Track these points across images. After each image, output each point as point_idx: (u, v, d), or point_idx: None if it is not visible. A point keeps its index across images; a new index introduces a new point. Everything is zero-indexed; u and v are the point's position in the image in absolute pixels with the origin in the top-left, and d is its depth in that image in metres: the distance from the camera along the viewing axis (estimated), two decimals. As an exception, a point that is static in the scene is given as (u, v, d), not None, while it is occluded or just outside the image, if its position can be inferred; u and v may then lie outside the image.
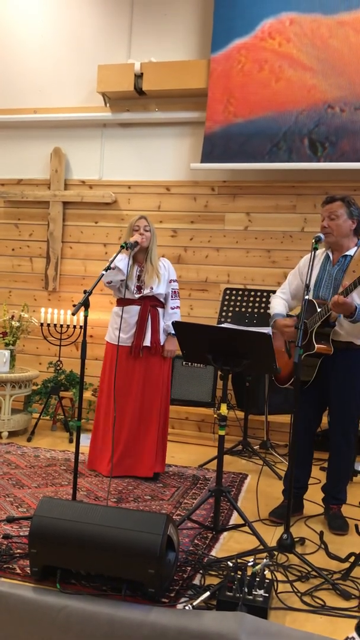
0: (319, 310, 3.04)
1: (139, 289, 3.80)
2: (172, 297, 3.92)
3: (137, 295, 3.80)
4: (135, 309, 3.81)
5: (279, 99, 5.03)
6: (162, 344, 3.85)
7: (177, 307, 3.94)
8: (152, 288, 3.79)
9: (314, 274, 3.21)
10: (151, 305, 3.83)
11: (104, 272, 3.26)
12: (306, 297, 2.78)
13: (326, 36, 4.89)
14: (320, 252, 3.32)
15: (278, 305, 3.35)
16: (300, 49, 4.98)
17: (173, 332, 3.76)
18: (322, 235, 3.09)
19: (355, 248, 3.14)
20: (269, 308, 4.66)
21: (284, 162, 4.98)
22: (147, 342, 3.79)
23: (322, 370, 3.09)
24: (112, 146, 5.71)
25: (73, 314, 2.96)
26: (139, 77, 5.35)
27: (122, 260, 3.69)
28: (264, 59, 5.09)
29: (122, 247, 3.58)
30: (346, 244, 3.15)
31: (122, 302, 3.85)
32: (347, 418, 3.13)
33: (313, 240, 3.04)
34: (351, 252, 3.14)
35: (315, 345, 3.04)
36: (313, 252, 3.03)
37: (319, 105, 4.92)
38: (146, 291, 3.79)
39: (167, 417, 3.95)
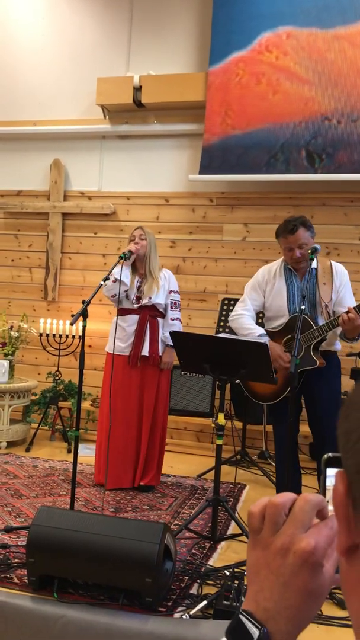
0: (319, 325, 3.07)
1: (138, 299, 3.80)
2: (171, 307, 3.88)
3: (135, 305, 3.80)
4: (134, 318, 3.80)
5: (276, 111, 5.08)
6: (160, 354, 3.81)
7: (177, 318, 3.88)
8: (150, 298, 3.77)
9: (280, 288, 3.26)
10: (150, 315, 3.81)
11: (102, 283, 3.28)
12: (303, 307, 2.81)
13: (323, 49, 4.96)
14: (277, 265, 3.35)
15: (252, 323, 3.31)
16: (297, 62, 5.04)
17: (171, 343, 3.72)
18: (318, 246, 3.12)
19: (315, 260, 3.17)
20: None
21: (282, 174, 5.02)
22: (145, 351, 3.76)
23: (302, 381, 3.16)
24: (111, 158, 5.76)
25: (72, 324, 2.98)
26: (137, 89, 5.41)
27: (123, 271, 3.69)
28: (262, 72, 5.14)
29: (120, 257, 3.61)
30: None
31: (122, 311, 3.86)
32: (335, 422, 3.18)
33: (309, 252, 3.08)
34: (314, 264, 3.19)
35: (317, 361, 3.08)
36: (310, 263, 3.07)
37: (315, 118, 4.97)
38: (144, 301, 3.78)
39: (164, 431, 3.88)
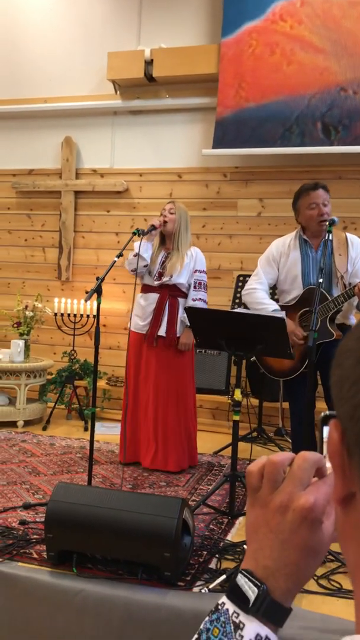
0: (335, 296, 3.03)
1: (160, 275, 3.71)
2: (195, 287, 3.73)
3: (156, 283, 3.71)
4: (154, 297, 3.71)
5: (290, 82, 4.97)
6: (178, 335, 3.69)
7: (200, 299, 3.71)
8: (171, 277, 3.66)
9: (295, 260, 3.22)
10: (171, 294, 3.71)
11: (115, 259, 3.25)
12: (320, 280, 2.77)
13: (338, 17, 4.81)
14: (292, 237, 3.32)
15: (266, 298, 3.28)
16: (312, 31, 4.90)
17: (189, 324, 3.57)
18: (336, 219, 3.07)
19: (329, 233, 3.13)
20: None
21: (297, 147, 4.92)
22: (162, 332, 3.68)
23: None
24: (122, 134, 5.68)
25: (86, 301, 2.97)
26: (149, 63, 5.31)
27: (143, 246, 3.59)
28: (275, 42, 5.02)
29: (134, 233, 3.55)
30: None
31: (144, 288, 3.80)
32: None
33: (327, 224, 3.02)
34: (329, 236, 3.13)
35: (334, 333, 3.05)
36: (328, 236, 3.02)
37: (331, 88, 4.85)
38: (165, 279, 3.68)
39: (187, 413, 3.76)
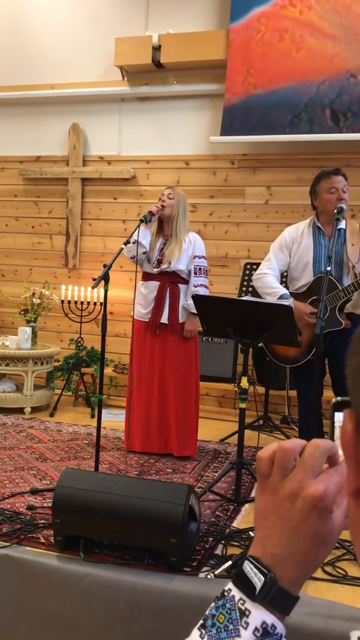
0: (345, 285, 3.02)
1: (159, 262, 3.71)
2: (195, 274, 3.71)
3: (155, 270, 3.71)
4: (154, 285, 3.72)
5: (299, 68, 4.92)
6: (181, 322, 3.70)
7: (202, 285, 3.70)
8: (170, 263, 3.66)
9: (307, 247, 3.22)
10: (171, 281, 3.71)
11: (123, 246, 3.24)
12: (329, 268, 2.76)
13: (349, 2, 4.75)
14: (305, 225, 3.31)
15: (276, 283, 3.29)
16: (321, 16, 4.84)
17: (194, 311, 3.54)
18: (344, 206, 3.06)
19: (344, 221, 3.14)
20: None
21: (305, 134, 4.88)
22: (164, 319, 3.69)
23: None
24: (130, 121, 5.65)
25: (93, 288, 2.96)
26: (157, 49, 5.26)
27: (142, 232, 3.60)
28: (285, 28, 4.96)
29: (141, 221, 3.54)
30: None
31: (144, 276, 3.80)
32: None
33: (335, 211, 3.01)
34: (342, 225, 3.13)
35: (343, 321, 3.04)
36: (338, 223, 3.01)
37: (341, 75, 4.80)
38: (164, 266, 3.68)
39: (190, 398, 3.77)
